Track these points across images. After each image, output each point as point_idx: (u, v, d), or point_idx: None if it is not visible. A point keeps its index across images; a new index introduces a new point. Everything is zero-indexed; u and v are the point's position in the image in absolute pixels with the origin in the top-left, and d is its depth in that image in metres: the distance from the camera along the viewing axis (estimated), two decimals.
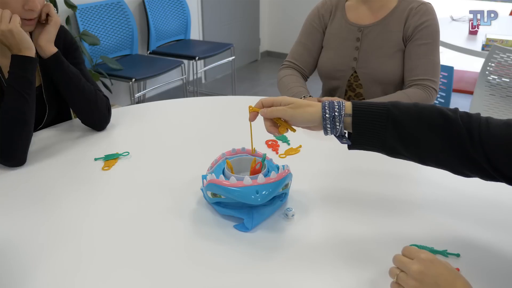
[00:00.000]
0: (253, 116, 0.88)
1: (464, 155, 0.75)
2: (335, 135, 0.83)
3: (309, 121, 0.84)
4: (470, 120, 0.76)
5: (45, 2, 1.21)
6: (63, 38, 1.32)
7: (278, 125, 0.87)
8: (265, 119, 0.87)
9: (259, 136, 0.90)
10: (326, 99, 1.37)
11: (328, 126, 0.81)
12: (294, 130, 0.88)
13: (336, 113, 0.80)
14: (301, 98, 1.41)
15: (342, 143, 0.84)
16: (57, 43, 1.27)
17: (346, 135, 0.83)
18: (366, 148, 0.82)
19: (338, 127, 0.81)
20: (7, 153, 1.13)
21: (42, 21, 1.21)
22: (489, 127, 0.74)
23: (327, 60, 1.55)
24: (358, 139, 0.81)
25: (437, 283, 0.64)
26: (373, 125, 0.79)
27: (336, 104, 0.81)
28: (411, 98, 1.36)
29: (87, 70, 1.37)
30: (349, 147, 0.83)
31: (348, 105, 0.81)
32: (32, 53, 1.16)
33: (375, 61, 1.47)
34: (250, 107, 0.88)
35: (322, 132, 0.83)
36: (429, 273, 0.65)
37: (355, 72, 1.50)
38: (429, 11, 1.43)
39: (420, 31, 1.41)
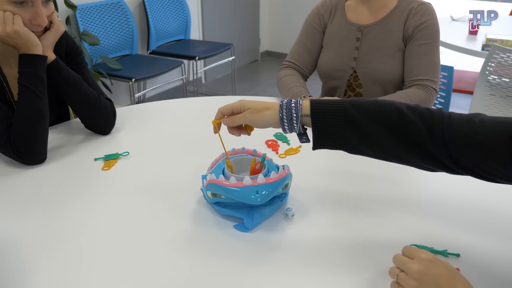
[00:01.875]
0: (217, 128, 0.91)
1: (425, 153, 0.74)
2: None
3: (269, 124, 0.84)
4: (431, 117, 0.75)
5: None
6: (65, 44, 1.30)
7: (243, 126, 0.90)
8: (228, 127, 0.90)
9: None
10: (326, 99, 1.38)
11: (286, 126, 0.82)
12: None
13: (294, 115, 0.81)
14: (301, 98, 1.41)
15: (302, 142, 0.85)
16: (59, 49, 1.26)
17: (312, 132, 0.82)
18: (329, 147, 0.81)
19: (295, 127, 0.82)
20: (29, 151, 1.13)
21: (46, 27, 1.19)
22: (451, 124, 0.73)
23: (327, 60, 1.55)
24: (319, 139, 0.80)
25: (437, 283, 0.64)
26: (332, 126, 0.78)
27: (293, 104, 0.81)
28: (411, 98, 1.36)
29: (91, 75, 1.35)
30: (313, 148, 0.82)
31: (306, 105, 0.80)
32: (40, 50, 1.14)
33: (375, 61, 1.47)
34: (213, 122, 0.90)
35: None
36: (429, 273, 0.65)
37: (355, 72, 1.50)
38: (429, 11, 1.43)
39: (420, 31, 1.41)
